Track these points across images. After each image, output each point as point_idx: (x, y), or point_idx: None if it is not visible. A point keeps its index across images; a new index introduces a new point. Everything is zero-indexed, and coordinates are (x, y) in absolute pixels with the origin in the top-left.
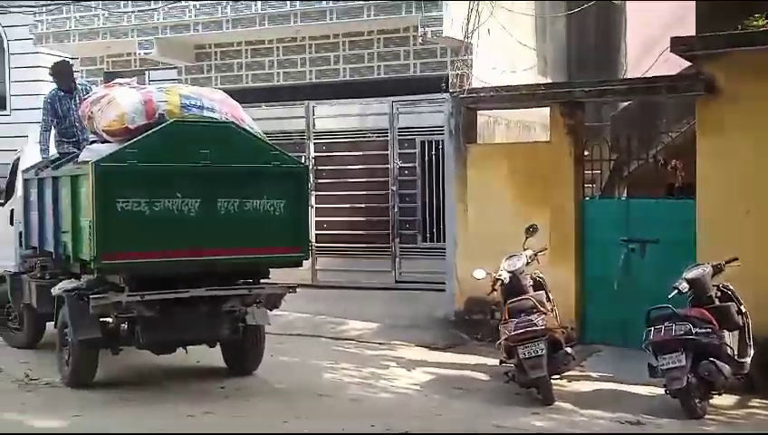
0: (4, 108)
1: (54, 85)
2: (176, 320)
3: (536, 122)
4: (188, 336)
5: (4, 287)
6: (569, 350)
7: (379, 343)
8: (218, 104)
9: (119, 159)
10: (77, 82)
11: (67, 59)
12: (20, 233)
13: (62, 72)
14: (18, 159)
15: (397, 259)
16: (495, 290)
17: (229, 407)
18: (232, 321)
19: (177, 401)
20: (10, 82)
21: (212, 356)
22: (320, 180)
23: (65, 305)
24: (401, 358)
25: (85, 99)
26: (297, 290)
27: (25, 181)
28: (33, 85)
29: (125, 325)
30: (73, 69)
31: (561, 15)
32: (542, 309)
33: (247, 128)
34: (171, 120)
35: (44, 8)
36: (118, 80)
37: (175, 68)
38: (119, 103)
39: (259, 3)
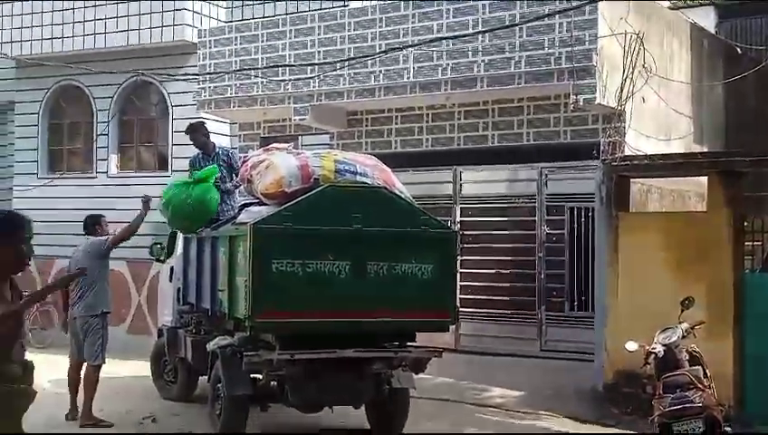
0: (167, 169)
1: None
2: (323, 380)
3: (691, 191)
4: (335, 396)
5: (161, 341)
6: (728, 429)
7: (525, 413)
8: (371, 169)
9: (275, 222)
10: (216, 145)
11: (202, 120)
12: (178, 289)
13: (194, 131)
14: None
15: (543, 327)
16: (648, 364)
17: None
18: (377, 383)
19: None
20: (172, 146)
21: (356, 417)
22: (465, 245)
23: (219, 361)
24: (548, 429)
25: (244, 161)
26: (442, 354)
27: (185, 239)
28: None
29: (274, 383)
30: (208, 131)
31: (718, 84)
32: (699, 385)
33: (398, 193)
34: (326, 185)
35: (208, 77)
36: (275, 144)
37: (327, 133)
38: (277, 168)
39: (411, 71)
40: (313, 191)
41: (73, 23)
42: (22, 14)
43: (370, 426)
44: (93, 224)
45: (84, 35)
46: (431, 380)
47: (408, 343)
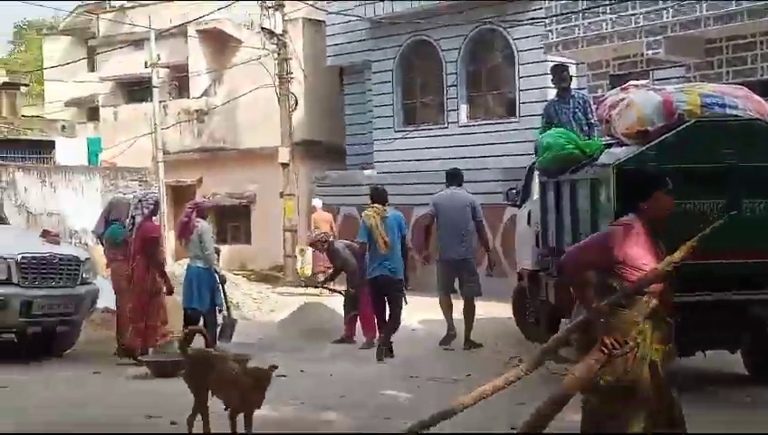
0: (515, 115)
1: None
2: (698, 323)
3: None
4: (709, 340)
5: (522, 284)
6: None
7: None
8: (742, 101)
9: (639, 162)
10: (572, 90)
11: (565, 64)
12: (536, 233)
13: (556, 71)
14: (534, 163)
15: None
16: None
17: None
18: (757, 327)
19: (696, 408)
20: (519, 91)
21: (733, 363)
22: None
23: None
24: None
25: (601, 101)
26: None
27: (542, 184)
28: (540, 93)
29: None
30: (570, 75)
31: None
32: None
33: None
34: (692, 121)
35: (554, 19)
36: (633, 82)
37: (682, 66)
38: (637, 106)
39: None
40: (678, 128)
41: None
42: None
43: (748, 372)
44: (459, 176)
45: None
46: None
47: None
